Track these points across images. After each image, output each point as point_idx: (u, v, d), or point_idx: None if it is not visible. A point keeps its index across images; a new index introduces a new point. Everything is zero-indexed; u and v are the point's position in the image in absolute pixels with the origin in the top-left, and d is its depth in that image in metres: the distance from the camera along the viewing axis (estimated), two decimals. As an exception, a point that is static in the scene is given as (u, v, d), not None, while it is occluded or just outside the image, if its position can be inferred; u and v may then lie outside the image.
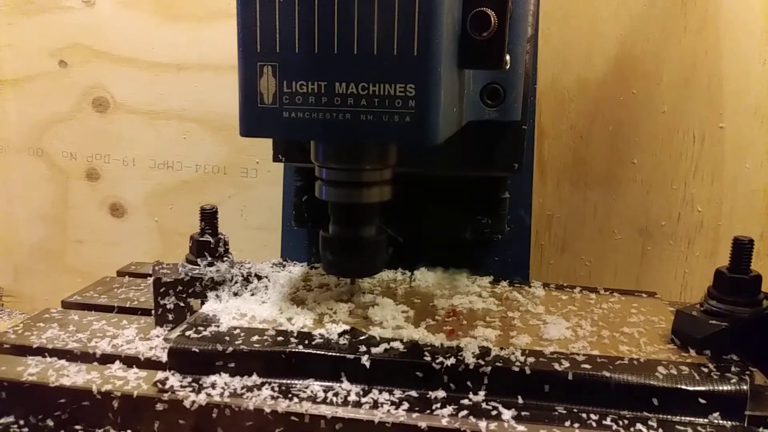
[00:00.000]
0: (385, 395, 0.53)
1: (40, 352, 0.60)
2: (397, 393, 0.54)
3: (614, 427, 0.50)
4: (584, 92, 0.98)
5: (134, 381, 0.55)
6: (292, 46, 0.50)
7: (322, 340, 0.57)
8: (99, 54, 1.10)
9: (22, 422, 0.54)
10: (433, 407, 0.52)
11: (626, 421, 0.51)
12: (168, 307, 0.64)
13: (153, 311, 0.65)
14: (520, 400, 0.53)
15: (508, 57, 0.55)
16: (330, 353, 0.55)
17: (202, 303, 0.65)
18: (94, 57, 1.10)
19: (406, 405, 0.52)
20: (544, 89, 0.99)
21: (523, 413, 0.51)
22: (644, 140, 0.98)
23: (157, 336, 0.63)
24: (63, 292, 0.78)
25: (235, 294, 0.66)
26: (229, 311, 0.62)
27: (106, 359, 0.59)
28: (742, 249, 0.59)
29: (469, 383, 0.54)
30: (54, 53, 1.11)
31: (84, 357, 0.59)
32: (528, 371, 0.53)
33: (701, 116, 0.95)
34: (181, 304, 0.65)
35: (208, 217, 0.67)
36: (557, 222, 1.03)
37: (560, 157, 1.01)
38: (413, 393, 0.54)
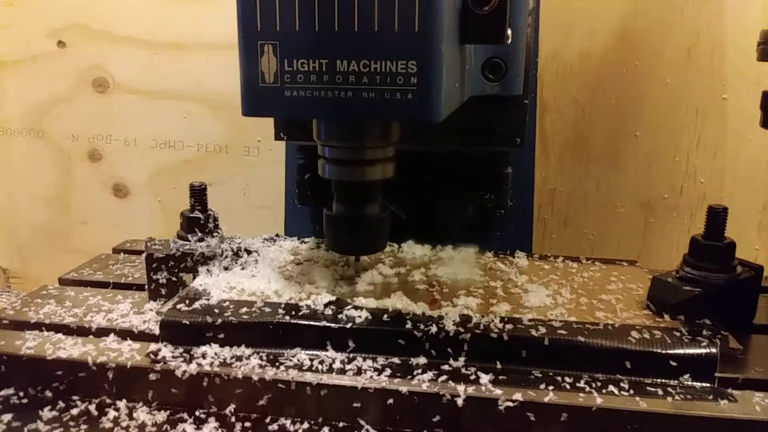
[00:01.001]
0: (369, 362, 0.55)
1: (38, 326, 0.62)
2: (380, 360, 0.56)
3: (587, 389, 0.52)
4: (586, 66, 0.99)
5: (128, 353, 0.57)
6: (292, 24, 0.50)
7: (308, 311, 0.59)
8: (98, 34, 1.10)
9: (21, 393, 0.57)
10: (414, 373, 0.54)
11: (599, 384, 0.53)
12: (161, 282, 0.66)
13: (146, 286, 0.67)
14: (498, 365, 0.55)
15: (509, 31, 0.55)
16: (316, 323, 0.57)
17: (194, 278, 0.67)
18: (92, 37, 1.11)
19: (388, 371, 0.54)
20: (545, 63, 0.99)
21: (500, 377, 0.54)
22: (646, 113, 0.98)
23: (151, 310, 0.65)
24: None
25: (226, 268, 0.68)
26: (219, 285, 0.64)
27: (101, 333, 0.61)
28: (717, 217, 0.61)
29: (449, 350, 0.56)
30: (52, 34, 1.12)
31: (80, 331, 0.62)
32: (506, 337, 0.55)
33: (704, 88, 0.96)
34: (173, 279, 0.67)
35: (198, 193, 0.69)
36: (560, 196, 1.04)
37: (562, 131, 1.02)
38: (396, 360, 0.56)
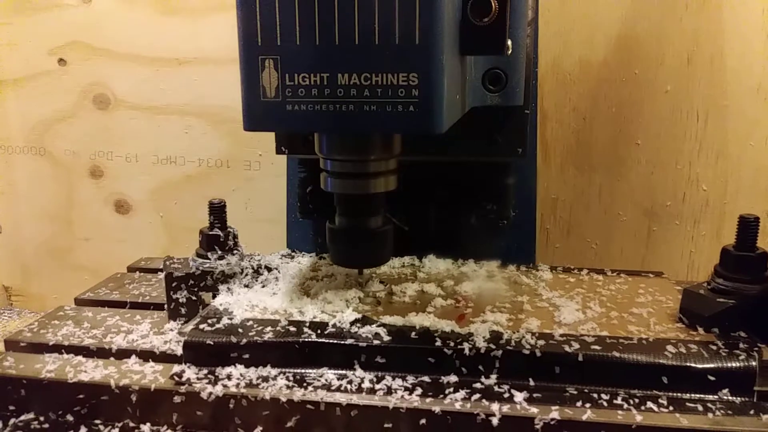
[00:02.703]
0: (399, 381, 0.54)
1: (57, 349, 0.61)
2: (410, 379, 0.54)
3: (625, 405, 0.51)
4: (586, 74, 0.98)
5: (151, 375, 0.56)
6: (293, 39, 0.50)
7: (334, 330, 0.58)
8: (98, 51, 1.10)
9: (42, 418, 0.55)
10: (446, 392, 0.52)
11: (637, 400, 0.52)
12: (180, 301, 0.65)
13: (166, 306, 0.66)
14: (532, 383, 0.54)
15: (509, 42, 0.55)
16: (343, 342, 0.56)
17: (214, 296, 0.66)
18: (93, 54, 1.10)
19: (419, 390, 0.53)
20: (545, 72, 0.99)
21: (534, 395, 0.52)
22: (648, 120, 0.98)
23: (171, 330, 0.64)
24: (71, 289, 0.78)
25: (246, 286, 0.67)
26: (240, 303, 0.63)
27: (122, 354, 0.60)
28: (748, 227, 0.60)
29: (480, 367, 0.55)
30: (53, 51, 1.11)
31: (100, 353, 0.60)
32: (538, 354, 0.54)
33: (704, 95, 0.95)
34: (193, 298, 0.65)
35: (217, 210, 0.68)
36: (562, 205, 1.03)
37: (563, 140, 1.01)
38: (426, 378, 0.55)
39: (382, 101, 0.50)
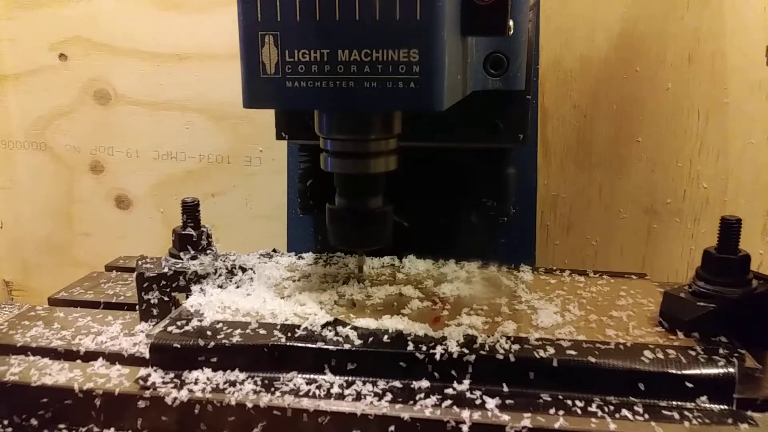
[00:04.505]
0: (369, 386, 0.52)
1: (24, 350, 0.59)
2: (381, 384, 0.53)
3: (599, 413, 0.49)
4: (587, 71, 0.98)
5: (116, 378, 0.54)
6: (293, 15, 0.50)
7: (305, 332, 0.56)
8: (99, 46, 1.09)
9: (6, 422, 0.54)
10: (417, 398, 0.51)
11: (612, 407, 0.50)
12: (152, 302, 0.63)
13: (137, 306, 0.64)
14: (505, 389, 0.52)
15: (511, 22, 0.54)
16: (312, 345, 0.54)
17: (187, 297, 0.64)
18: (94, 49, 1.09)
19: (389, 396, 0.51)
20: (546, 69, 0.98)
21: (507, 401, 0.50)
22: (648, 118, 0.97)
23: (142, 331, 0.62)
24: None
25: (220, 287, 0.65)
26: (212, 305, 0.61)
27: (90, 356, 0.58)
28: (730, 228, 0.59)
29: (453, 372, 0.53)
30: (54, 47, 1.11)
31: (67, 355, 0.59)
32: (512, 359, 0.52)
33: (705, 93, 0.94)
34: (166, 299, 0.64)
35: (190, 209, 0.66)
36: (562, 202, 1.02)
37: (564, 137, 1.00)
38: (397, 384, 0.53)
39: (383, 78, 0.49)
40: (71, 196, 1.16)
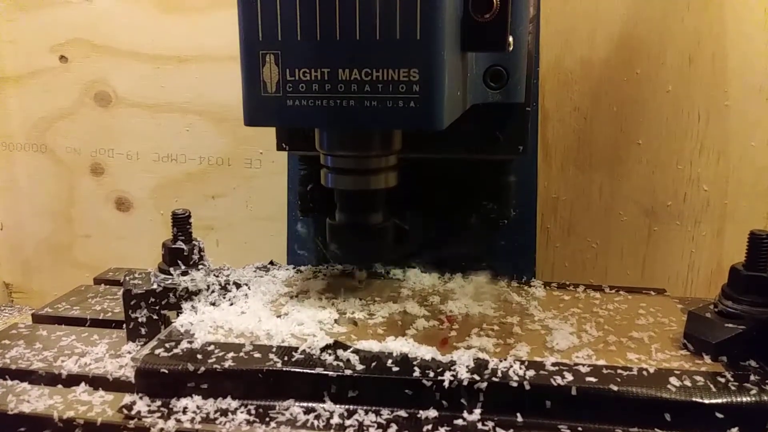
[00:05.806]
0: (372, 416, 0.50)
1: (2, 374, 0.57)
2: (385, 413, 0.50)
3: None
4: (587, 73, 0.97)
5: (99, 406, 0.52)
6: (294, 34, 0.50)
7: (302, 356, 0.53)
8: (99, 48, 1.08)
9: None
10: (424, 428, 0.48)
11: None
12: (140, 320, 0.60)
13: (125, 325, 0.62)
14: (520, 419, 0.49)
15: (511, 38, 0.55)
16: (311, 371, 0.51)
17: (178, 314, 0.61)
18: (94, 51, 1.09)
19: (394, 427, 0.48)
20: (546, 71, 0.97)
21: None
22: (649, 120, 0.97)
23: (129, 353, 0.59)
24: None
25: (213, 304, 0.62)
26: (204, 325, 0.58)
27: (72, 381, 0.55)
28: (759, 244, 0.55)
29: (463, 401, 0.50)
30: (54, 49, 1.10)
31: (48, 378, 0.56)
32: (527, 386, 0.49)
33: (706, 95, 0.94)
34: (155, 317, 0.60)
35: (181, 222, 0.63)
36: (563, 205, 1.02)
37: (564, 140, 1.00)
38: (402, 413, 0.50)
39: (383, 97, 0.50)
40: (72, 198, 1.16)
